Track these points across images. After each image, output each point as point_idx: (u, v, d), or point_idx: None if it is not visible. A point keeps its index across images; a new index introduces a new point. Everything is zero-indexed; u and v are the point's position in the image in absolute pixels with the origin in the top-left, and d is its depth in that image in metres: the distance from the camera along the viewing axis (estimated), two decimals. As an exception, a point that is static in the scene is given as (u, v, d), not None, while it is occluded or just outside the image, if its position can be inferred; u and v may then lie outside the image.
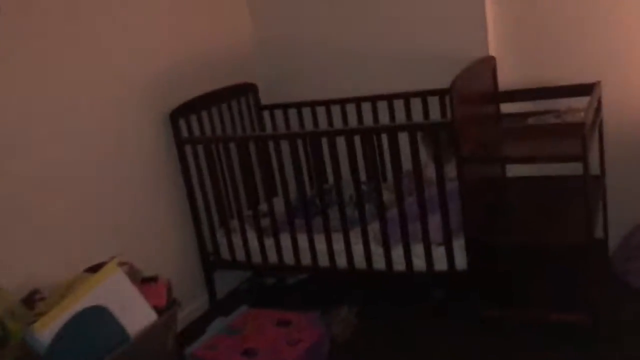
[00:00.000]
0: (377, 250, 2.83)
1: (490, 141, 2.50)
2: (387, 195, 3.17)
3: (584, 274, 2.55)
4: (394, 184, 2.75)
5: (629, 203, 3.03)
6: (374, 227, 2.87)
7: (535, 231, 2.49)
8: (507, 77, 3.14)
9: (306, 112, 3.60)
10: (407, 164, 2.84)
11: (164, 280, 2.50)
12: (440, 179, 2.58)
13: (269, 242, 3.08)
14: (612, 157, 2.97)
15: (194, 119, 3.20)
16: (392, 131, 2.62)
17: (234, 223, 3.19)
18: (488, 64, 3.00)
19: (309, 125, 3.60)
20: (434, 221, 2.66)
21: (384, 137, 2.79)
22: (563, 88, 2.96)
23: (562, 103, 2.98)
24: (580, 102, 2.88)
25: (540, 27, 3.08)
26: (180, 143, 3.09)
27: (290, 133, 3.13)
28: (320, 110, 3.56)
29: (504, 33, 3.13)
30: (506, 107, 3.16)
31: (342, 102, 3.47)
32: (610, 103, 2.95)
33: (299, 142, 2.91)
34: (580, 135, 2.24)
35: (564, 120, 2.75)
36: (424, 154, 2.96)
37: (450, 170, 2.78)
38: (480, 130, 2.58)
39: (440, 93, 3.21)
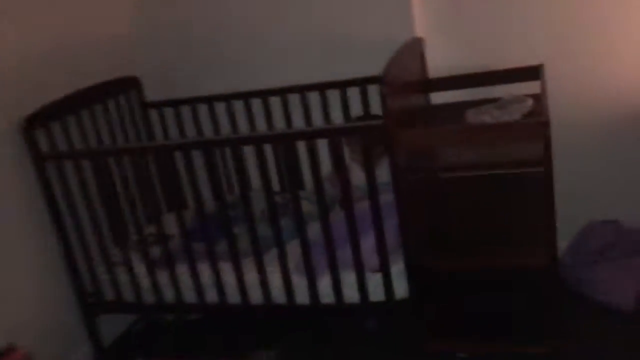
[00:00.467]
0: (299, 281, 2.31)
1: (428, 141, 2.02)
2: (307, 207, 2.68)
3: (541, 293, 2.16)
4: (315, 193, 2.21)
5: (575, 198, 2.68)
6: (294, 251, 2.34)
7: (486, 252, 2.05)
8: (436, 63, 2.69)
9: (202, 109, 3.00)
10: (325, 165, 2.34)
11: (21, 353, 1.88)
12: (373, 192, 2.09)
13: (163, 276, 2.48)
14: (555, 147, 2.60)
15: (57, 127, 2.52)
16: (310, 137, 2.08)
17: (118, 254, 2.56)
18: (415, 48, 2.53)
19: (206, 125, 3.01)
20: (367, 244, 2.17)
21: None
22: (502, 73, 2.55)
23: (500, 90, 2.57)
24: (521, 88, 2.49)
25: (473, 3, 2.64)
26: (39, 160, 2.42)
27: (183, 143, 2.51)
28: (220, 107, 2.98)
29: (431, 11, 2.67)
30: (436, 97, 2.73)
31: (246, 96, 2.92)
32: (552, 89, 2.57)
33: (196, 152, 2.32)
34: (540, 135, 1.81)
35: (508, 109, 2.33)
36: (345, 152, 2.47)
37: (381, 174, 2.32)
38: (415, 129, 2.11)
39: (361, 83, 2.72)
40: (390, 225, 2.16)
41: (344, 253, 2.21)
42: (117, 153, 2.45)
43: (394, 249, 2.17)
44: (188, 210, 2.88)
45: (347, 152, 2.56)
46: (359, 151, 2.45)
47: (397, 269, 2.16)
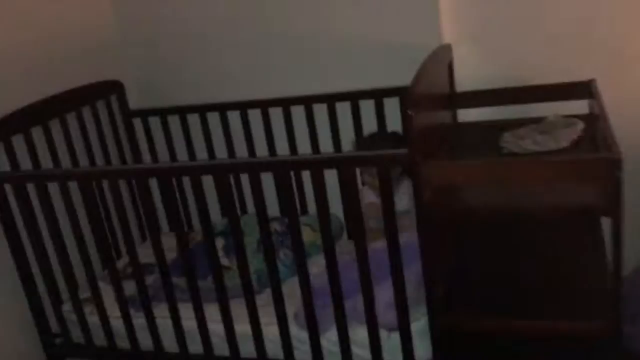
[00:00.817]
0: (299, 334, 1.94)
1: (464, 176, 1.64)
2: (310, 235, 2.33)
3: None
4: (319, 222, 1.82)
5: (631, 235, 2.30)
6: (293, 293, 1.98)
7: (530, 313, 1.67)
8: (463, 74, 2.31)
9: (193, 119, 2.63)
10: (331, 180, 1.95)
11: None
12: (391, 233, 1.71)
13: (139, 319, 2.11)
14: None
15: (19, 140, 2.15)
16: (318, 166, 1.70)
17: (88, 289, 2.19)
18: (443, 56, 2.15)
19: (197, 137, 2.64)
20: (383, 295, 1.80)
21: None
22: (544, 89, 2.16)
23: (539, 109, 2.19)
24: (561, 108, 2.11)
25: (508, 5, 2.27)
26: (-5, 180, 2.05)
27: (171, 167, 2.11)
28: (214, 118, 2.60)
29: (459, 13, 2.29)
30: (463, 114, 2.35)
31: (243, 106, 2.55)
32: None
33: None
34: (609, 176, 1.43)
35: (554, 134, 1.95)
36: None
37: (399, 200, 1.96)
38: (448, 161, 1.74)
39: (377, 95, 2.35)
40: (411, 272, 1.79)
41: (355, 304, 1.84)
42: (97, 176, 2.07)
43: (415, 302, 1.79)
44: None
45: (357, 172, 2.19)
46: (374, 174, 2.08)
47: (419, 326, 1.79)
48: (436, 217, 1.67)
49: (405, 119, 1.55)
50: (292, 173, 1.84)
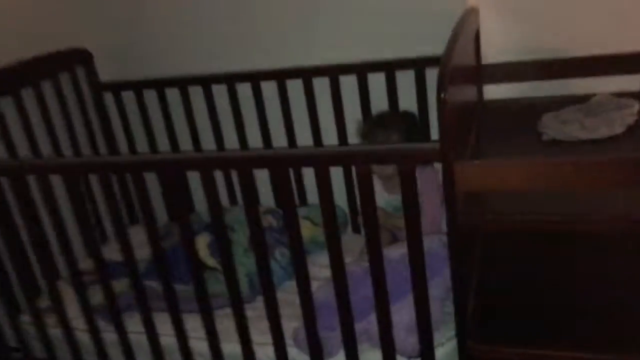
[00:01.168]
0: (299, 357, 1.63)
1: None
2: (310, 230, 2.03)
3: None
4: (323, 220, 1.47)
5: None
6: (290, 301, 1.67)
7: (576, 341, 1.37)
8: (491, 43, 1.97)
9: (173, 94, 2.29)
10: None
11: None
12: (416, 238, 1.39)
13: (108, 332, 1.79)
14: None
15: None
16: (323, 164, 1.36)
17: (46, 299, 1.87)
18: (470, 24, 1.80)
19: (177, 114, 2.31)
20: (402, 316, 1.49)
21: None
22: (587, 61, 1.83)
23: (576, 86, 1.87)
24: (602, 84, 1.79)
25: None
26: None
27: (138, 161, 1.70)
28: (196, 92, 2.26)
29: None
30: (489, 91, 2.02)
31: (231, 79, 2.21)
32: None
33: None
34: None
35: (605, 117, 1.63)
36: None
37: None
38: (472, 144, 1.42)
39: (388, 68, 2.02)
40: (435, 288, 1.48)
41: (367, 325, 1.53)
42: (62, 170, 1.71)
43: (440, 323, 1.49)
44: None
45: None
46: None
47: (444, 353, 1.49)
48: (467, 225, 1.35)
49: (438, 104, 1.21)
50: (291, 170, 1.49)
